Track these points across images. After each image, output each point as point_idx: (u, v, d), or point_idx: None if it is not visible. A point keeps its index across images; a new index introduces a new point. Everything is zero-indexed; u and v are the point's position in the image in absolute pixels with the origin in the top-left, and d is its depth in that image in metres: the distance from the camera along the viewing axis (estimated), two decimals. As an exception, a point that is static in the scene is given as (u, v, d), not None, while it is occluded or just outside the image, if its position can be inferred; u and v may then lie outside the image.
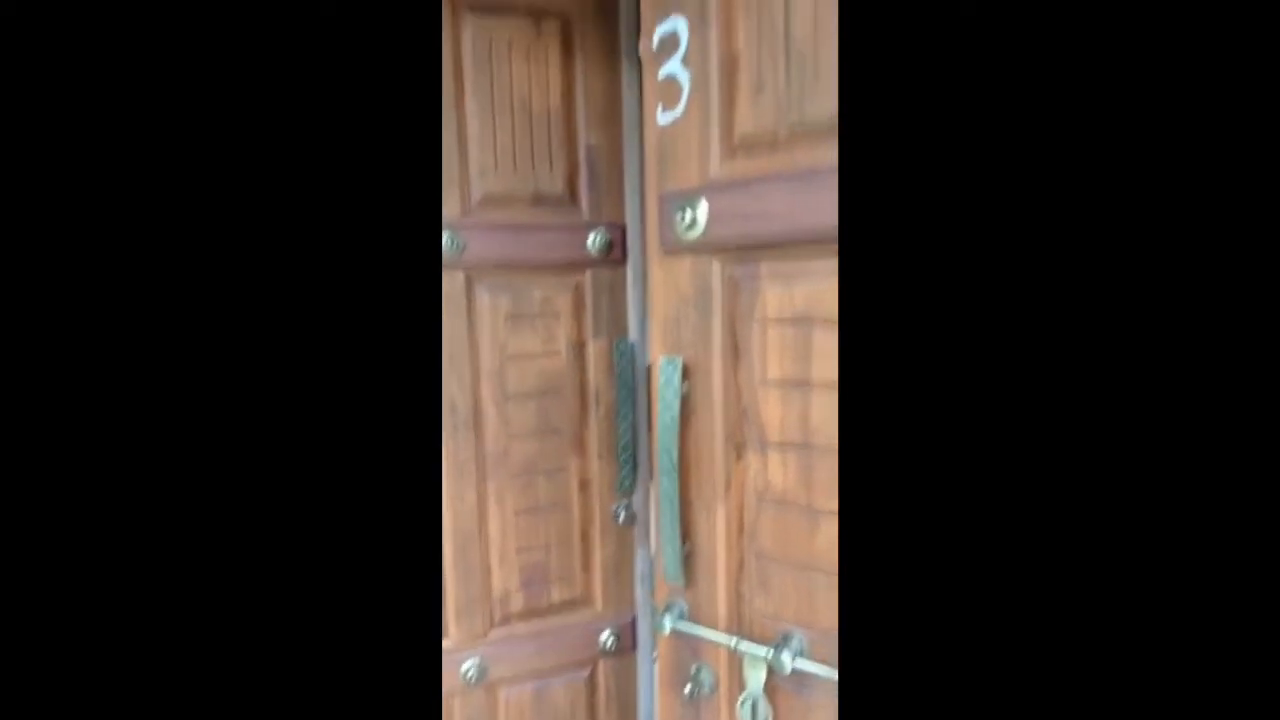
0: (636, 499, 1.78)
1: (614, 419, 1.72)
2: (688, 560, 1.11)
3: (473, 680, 1.61)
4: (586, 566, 1.74)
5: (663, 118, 1.07)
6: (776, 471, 1.01)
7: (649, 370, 1.73)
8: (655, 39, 1.06)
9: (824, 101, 0.92)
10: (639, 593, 1.82)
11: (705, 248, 1.05)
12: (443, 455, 1.55)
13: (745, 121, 1.00)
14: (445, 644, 1.60)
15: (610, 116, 1.67)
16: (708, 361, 1.06)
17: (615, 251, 1.69)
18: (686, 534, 1.10)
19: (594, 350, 1.70)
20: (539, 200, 1.60)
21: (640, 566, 1.82)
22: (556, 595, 1.71)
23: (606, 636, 1.75)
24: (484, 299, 1.56)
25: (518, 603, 1.67)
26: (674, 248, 1.08)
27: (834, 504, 0.96)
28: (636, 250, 1.74)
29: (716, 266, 1.05)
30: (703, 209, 1.03)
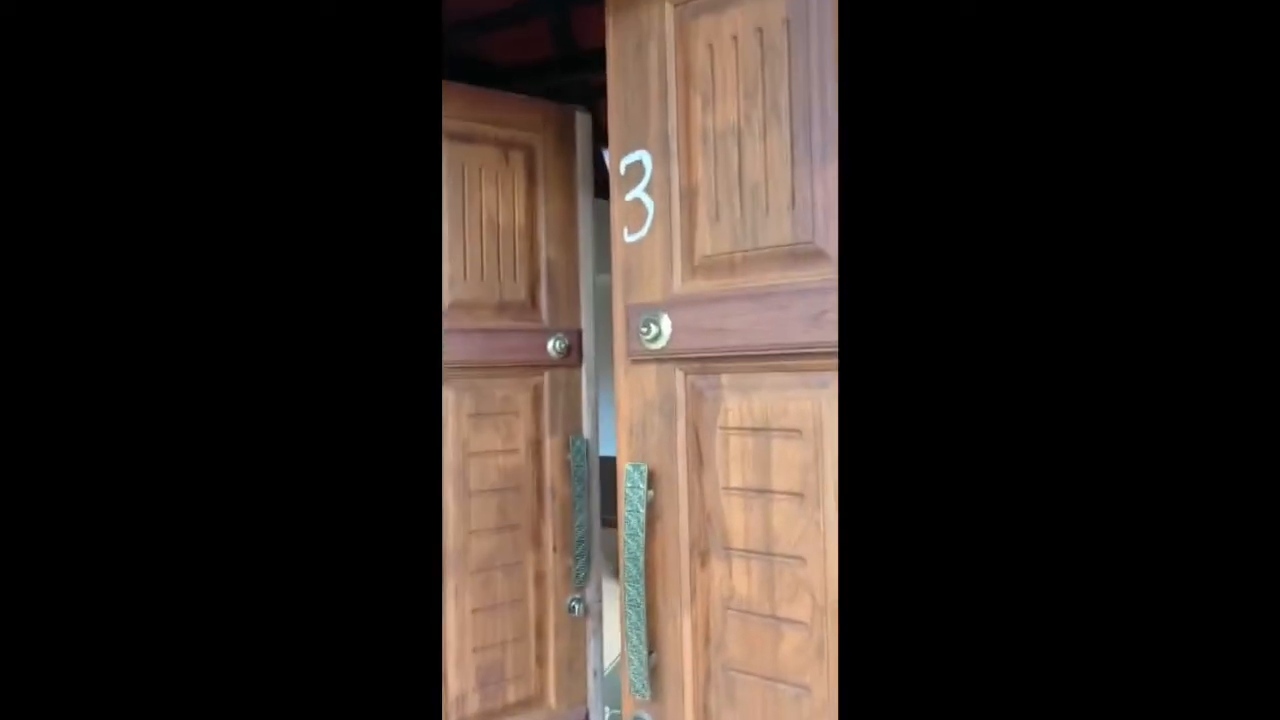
0: (589, 592, 1.65)
1: (570, 513, 1.62)
2: (654, 672, 1.00)
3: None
4: (541, 662, 1.60)
5: (629, 237, 1.03)
6: (741, 579, 0.93)
7: (607, 467, 1.65)
8: (622, 166, 1.02)
9: (775, 231, 0.91)
10: (591, 686, 1.67)
11: (669, 358, 0.99)
12: (403, 554, 1.41)
13: (704, 245, 0.97)
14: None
15: (567, 234, 1.65)
16: (672, 468, 0.99)
17: (572, 355, 1.63)
18: (652, 644, 1.00)
19: (550, 447, 1.61)
20: (503, 308, 1.54)
21: (593, 660, 1.68)
22: (512, 694, 1.55)
23: (560, 733, 1.59)
24: (449, 398, 1.47)
25: (474, 704, 1.50)
26: (640, 357, 1.02)
27: (797, 612, 0.88)
28: (591, 353, 1.68)
29: (680, 376, 0.99)
30: (666, 323, 0.98)
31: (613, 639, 1.40)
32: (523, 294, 1.57)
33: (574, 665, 1.64)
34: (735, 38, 0.93)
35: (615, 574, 1.02)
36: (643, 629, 0.97)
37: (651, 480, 1.00)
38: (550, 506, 1.61)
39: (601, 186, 1.73)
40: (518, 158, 1.57)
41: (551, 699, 1.62)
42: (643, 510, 0.97)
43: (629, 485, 0.98)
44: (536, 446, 1.60)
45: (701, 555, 0.96)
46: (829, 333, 0.84)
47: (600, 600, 1.70)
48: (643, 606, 0.97)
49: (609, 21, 1.04)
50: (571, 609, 1.63)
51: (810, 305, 0.86)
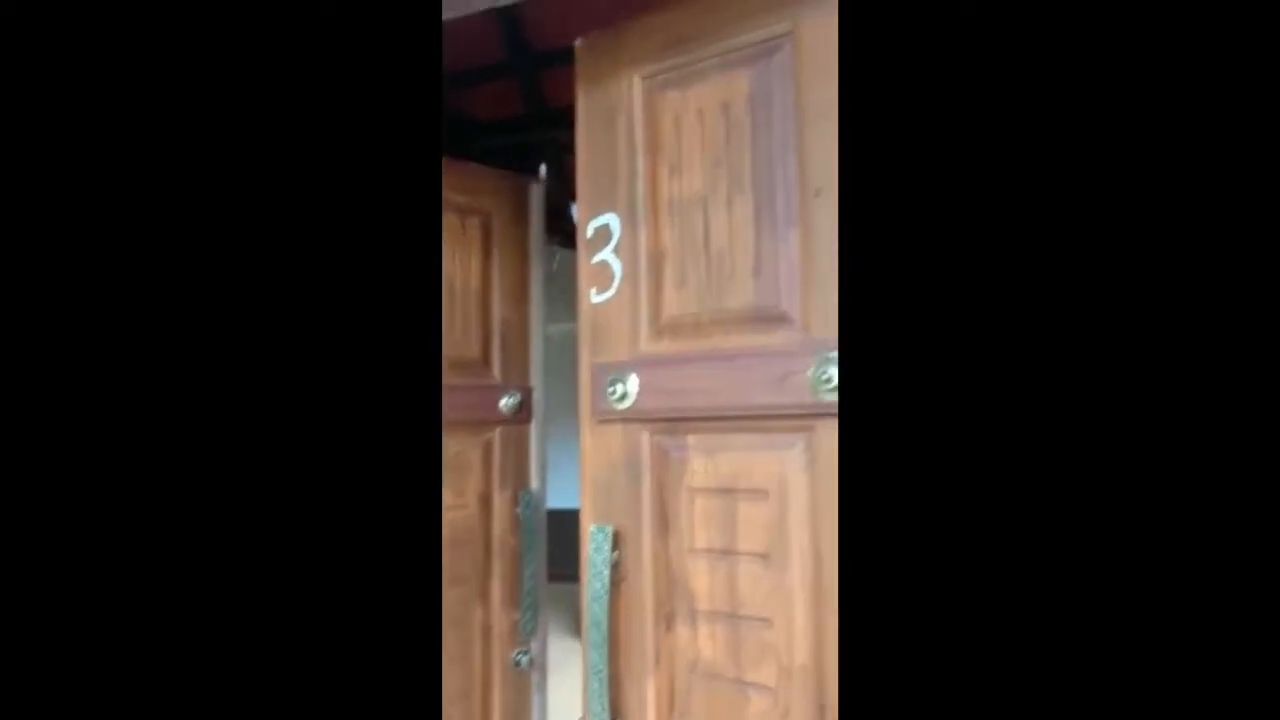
0: (534, 645, 1.49)
1: (517, 567, 1.46)
2: (617, 740, 0.86)
3: None
4: (486, 717, 1.41)
5: (596, 298, 0.94)
6: (706, 643, 0.82)
7: (554, 520, 1.51)
8: (590, 229, 0.94)
9: (740, 295, 0.84)
10: (535, 742, 1.49)
11: (635, 418, 0.89)
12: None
13: (671, 307, 0.89)
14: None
15: (520, 295, 1.55)
16: (638, 529, 0.88)
17: (523, 411, 1.51)
18: (615, 711, 0.86)
19: (499, 501, 1.47)
20: (457, 365, 1.41)
21: (536, 715, 1.50)
22: (455, 755, 1.35)
23: (503, 794, 1.40)
24: (399, 455, 1.31)
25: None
26: (605, 416, 0.92)
27: (763, 677, 0.77)
28: (541, 408, 1.56)
29: (645, 436, 0.89)
30: (633, 382, 0.89)
31: (567, 699, 1.23)
32: (476, 351, 1.45)
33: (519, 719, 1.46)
34: (701, 111, 0.87)
35: (568, 629, 0.89)
36: (605, 697, 0.85)
37: (616, 542, 0.88)
38: (498, 560, 1.45)
39: (559, 235, 1.64)
40: (475, 224, 1.48)
41: (495, 759, 1.43)
42: (607, 573, 0.85)
43: (593, 548, 0.87)
44: (486, 501, 1.45)
45: (666, 619, 0.85)
46: (793, 395, 0.77)
47: (545, 653, 1.53)
48: (605, 673, 0.85)
49: (579, 91, 0.97)
50: (518, 663, 1.47)
51: (774, 368, 0.79)
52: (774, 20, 0.82)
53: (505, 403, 1.46)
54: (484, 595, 1.43)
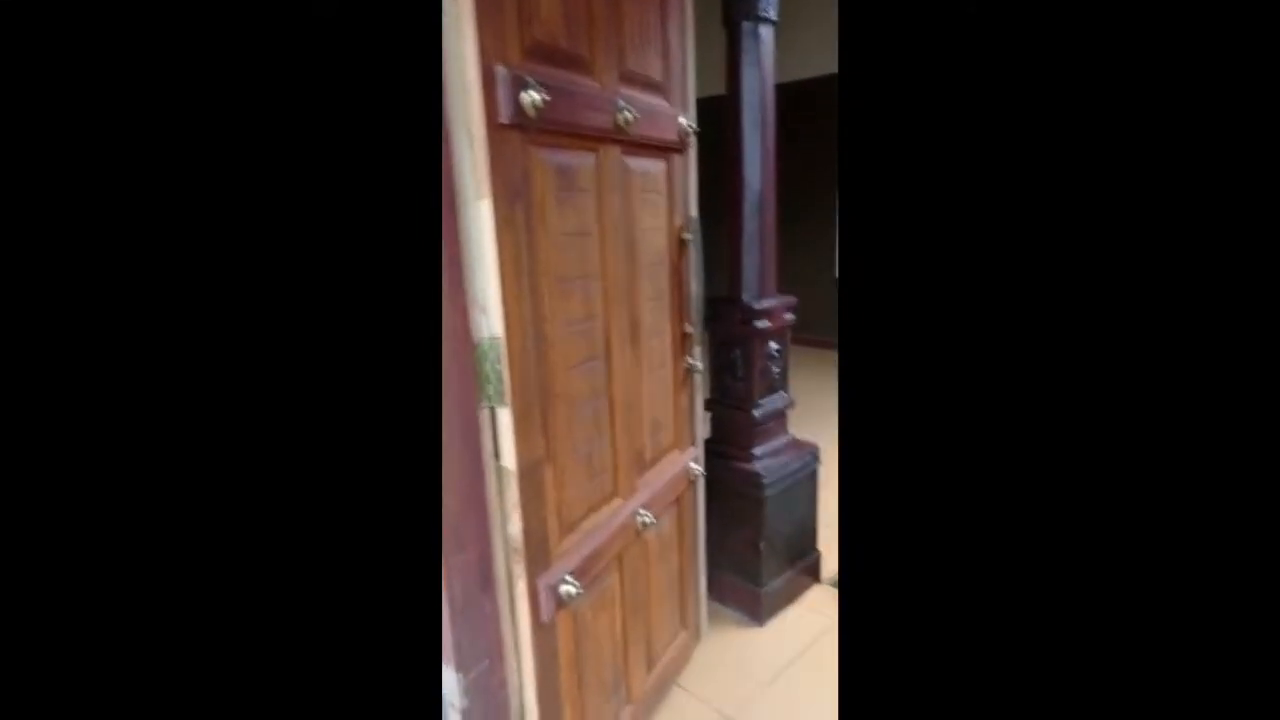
0: (698, 350, 1.74)
1: (685, 283, 1.65)
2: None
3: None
4: (679, 412, 1.68)
5: None
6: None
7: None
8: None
9: None
10: (699, 429, 1.81)
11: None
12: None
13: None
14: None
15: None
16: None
17: (688, 137, 1.58)
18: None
19: (672, 227, 1.59)
20: (646, 84, 1.42)
21: (699, 408, 1.79)
22: (664, 439, 1.63)
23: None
24: (616, 175, 1.37)
25: (649, 452, 1.56)
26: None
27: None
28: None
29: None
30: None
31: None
32: (656, 72, 1.47)
33: (692, 414, 1.76)
34: None
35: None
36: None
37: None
38: (675, 279, 1.62)
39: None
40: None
41: (685, 440, 1.74)
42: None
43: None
44: (669, 224, 1.57)
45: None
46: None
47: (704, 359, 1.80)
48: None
49: None
50: (691, 367, 1.72)
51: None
52: None
53: (681, 123, 1.53)
54: (674, 308, 1.62)
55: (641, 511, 1.46)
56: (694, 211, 1.67)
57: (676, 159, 1.57)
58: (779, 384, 2.04)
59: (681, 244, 1.62)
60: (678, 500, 1.71)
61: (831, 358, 5.02)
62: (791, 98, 3.45)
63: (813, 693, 1.74)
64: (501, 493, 1.12)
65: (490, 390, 1.07)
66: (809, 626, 2.00)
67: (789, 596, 2.10)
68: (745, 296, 1.93)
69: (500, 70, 0.99)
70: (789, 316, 2.00)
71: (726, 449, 2.00)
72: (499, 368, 1.05)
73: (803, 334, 2.12)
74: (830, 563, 2.26)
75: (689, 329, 1.68)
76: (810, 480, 2.13)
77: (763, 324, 1.91)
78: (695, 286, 1.65)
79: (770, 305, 1.93)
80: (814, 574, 2.21)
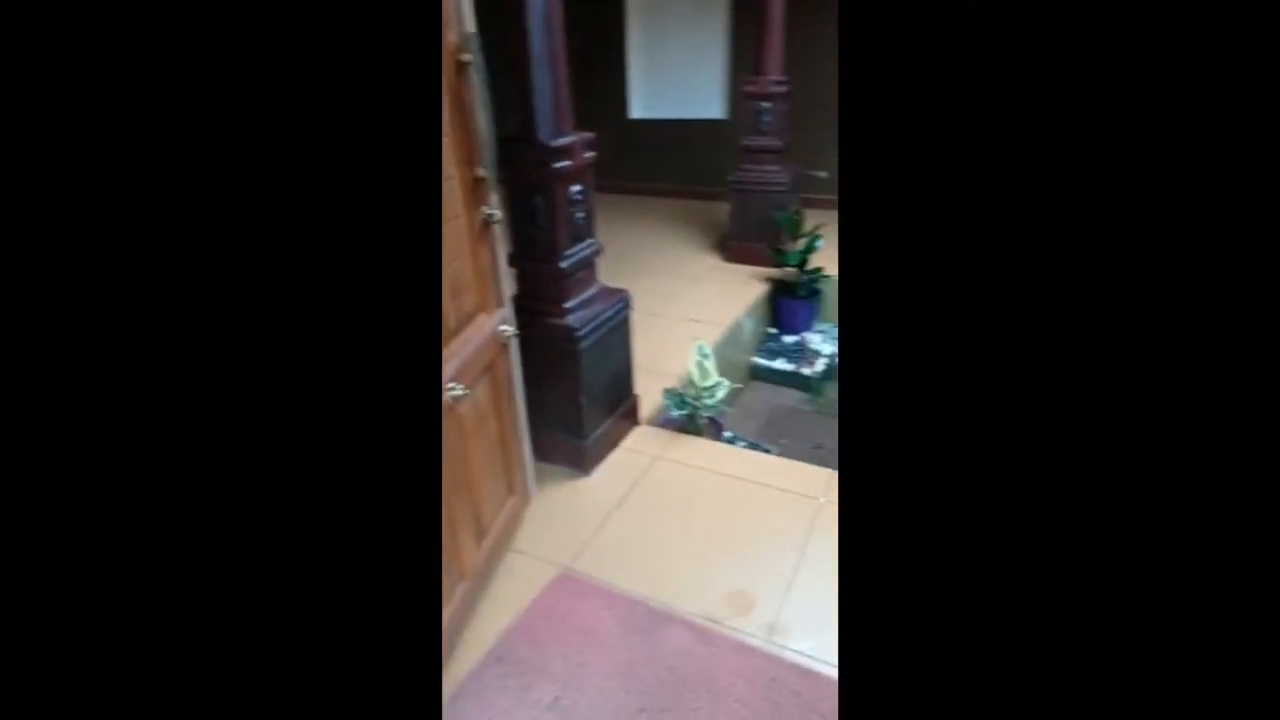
0: (494, 198, 1.54)
1: (474, 125, 1.41)
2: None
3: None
4: (479, 273, 1.50)
5: None
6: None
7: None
8: None
9: None
10: (505, 288, 1.65)
11: None
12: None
13: None
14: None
15: None
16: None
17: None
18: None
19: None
20: None
21: (501, 262, 1.63)
22: (467, 303, 1.45)
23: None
24: None
25: (452, 321, 1.38)
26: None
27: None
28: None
29: None
30: None
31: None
32: None
33: (495, 271, 1.59)
34: None
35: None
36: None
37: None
38: (458, 113, 1.37)
39: None
40: None
41: (491, 302, 1.57)
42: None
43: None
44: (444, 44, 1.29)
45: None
46: None
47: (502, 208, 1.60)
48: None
49: None
50: (489, 219, 1.52)
51: None
52: None
53: None
54: (460, 148, 1.38)
55: (451, 385, 1.32)
56: (472, 26, 1.39)
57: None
58: (584, 230, 1.91)
59: (460, 68, 1.35)
60: (490, 367, 1.58)
61: (630, 201, 4.96)
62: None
63: (641, 526, 1.82)
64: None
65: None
66: (632, 467, 2.07)
67: (612, 443, 2.13)
68: (541, 134, 1.72)
69: None
70: (589, 155, 1.84)
71: (536, 304, 1.88)
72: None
73: (599, 179, 1.98)
74: (647, 404, 2.33)
75: (481, 173, 1.46)
76: (623, 326, 2.11)
77: (562, 165, 1.74)
78: (483, 121, 1.42)
79: (568, 143, 1.75)
80: (633, 418, 2.26)
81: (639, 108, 5.20)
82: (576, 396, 1.92)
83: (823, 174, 4.11)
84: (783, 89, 3.52)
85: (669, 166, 5.21)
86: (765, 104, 3.54)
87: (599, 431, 2.04)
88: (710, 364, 2.26)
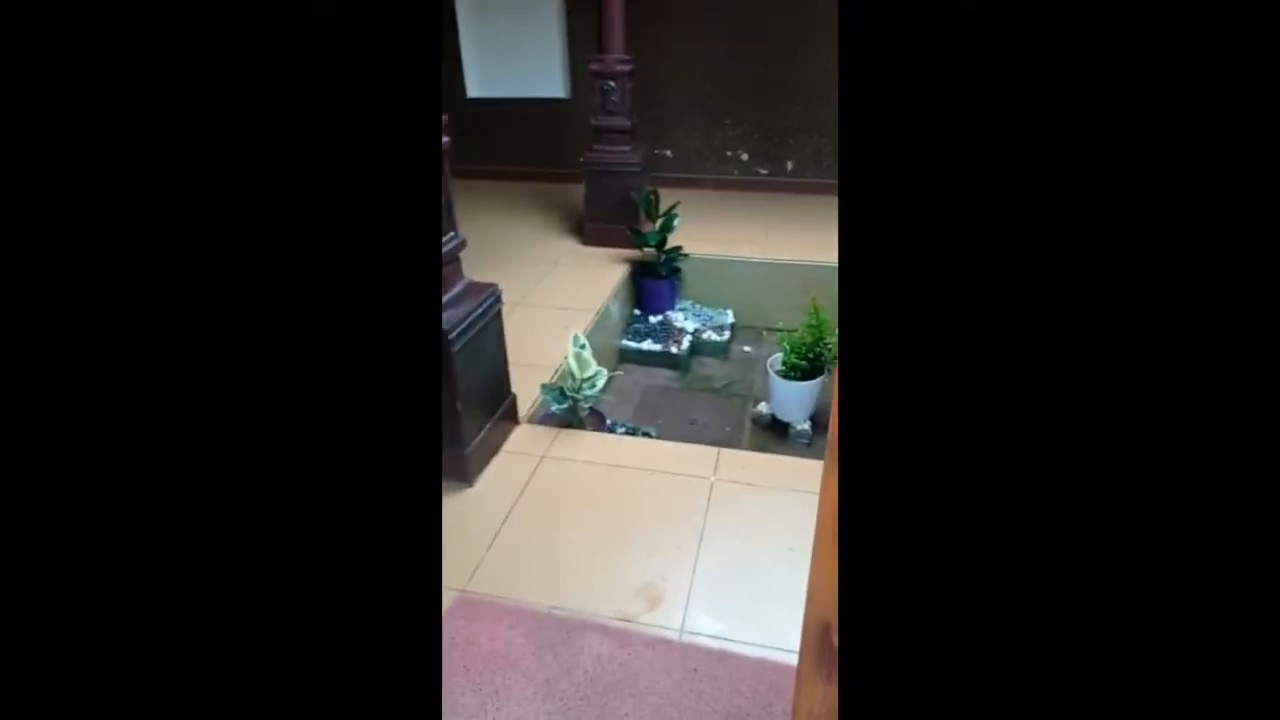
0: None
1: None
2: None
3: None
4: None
5: None
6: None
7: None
8: None
9: None
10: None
11: None
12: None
13: None
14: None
15: None
16: None
17: None
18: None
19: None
20: None
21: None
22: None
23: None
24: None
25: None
26: None
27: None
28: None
29: None
30: None
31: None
32: None
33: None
34: None
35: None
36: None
37: None
38: None
39: None
40: None
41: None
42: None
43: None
44: None
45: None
46: None
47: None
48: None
49: None
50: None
51: None
52: None
53: None
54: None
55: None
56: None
57: None
58: (445, 222, 1.76)
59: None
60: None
61: (475, 186, 4.71)
62: None
63: (536, 533, 1.74)
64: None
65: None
66: (518, 471, 1.97)
67: (493, 448, 2.02)
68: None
69: None
70: (445, 140, 1.68)
71: (398, 308, 1.70)
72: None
73: (457, 164, 1.84)
74: (525, 400, 2.22)
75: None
76: (496, 322, 1.99)
77: (416, 151, 1.57)
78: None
79: (421, 127, 1.59)
80: (512, 418, 2.15)
81: (476, 86, 4.94)
82: (453, 404, 1.79)
83: (668, 153, 4.15)
84: (627, 67, 3.48)
85: (512, 148, 5.01)
86: (611, 83, 3.49)
87: (479, 438, 1.91)
88: (588, 353, 2.20)
